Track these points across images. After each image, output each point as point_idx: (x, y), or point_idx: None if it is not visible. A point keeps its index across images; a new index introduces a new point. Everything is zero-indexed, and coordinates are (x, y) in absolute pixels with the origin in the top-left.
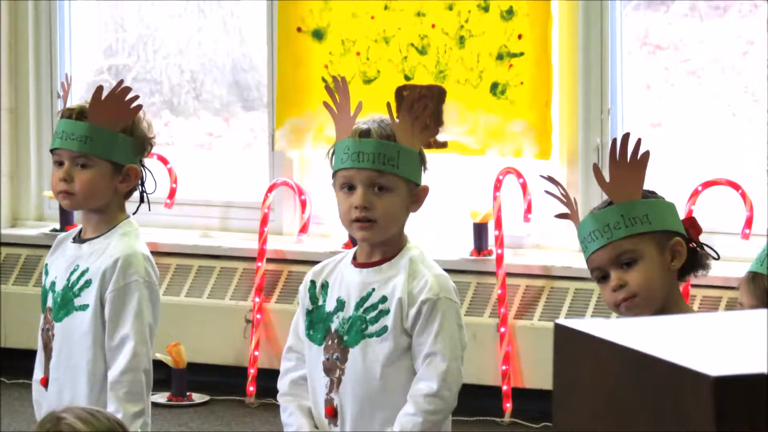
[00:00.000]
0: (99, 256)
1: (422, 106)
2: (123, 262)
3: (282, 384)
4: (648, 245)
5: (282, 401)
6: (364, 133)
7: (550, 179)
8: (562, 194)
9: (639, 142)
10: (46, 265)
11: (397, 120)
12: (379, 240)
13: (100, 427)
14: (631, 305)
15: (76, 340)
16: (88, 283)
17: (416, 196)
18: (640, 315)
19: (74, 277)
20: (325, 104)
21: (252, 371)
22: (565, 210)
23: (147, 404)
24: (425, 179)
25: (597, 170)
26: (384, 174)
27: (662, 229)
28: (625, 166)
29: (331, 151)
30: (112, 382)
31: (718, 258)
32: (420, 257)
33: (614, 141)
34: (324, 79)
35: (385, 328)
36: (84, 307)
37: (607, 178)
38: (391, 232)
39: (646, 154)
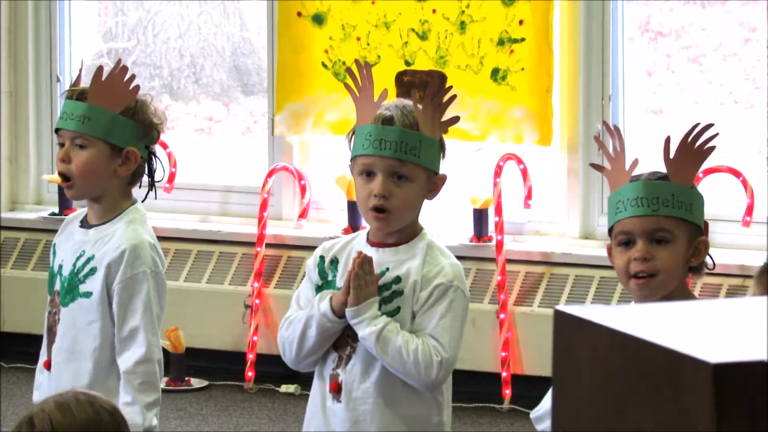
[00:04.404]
0: (105, 244)
1: (443, 95)
2: (130, 253)
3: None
4: (683, 233)
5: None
6: (387, 120)
7: (610, 128)
8: (614, 148)
9: (713, 136)
10: (54, 245)
11: (419, 107)
12: (393, 230)
13: (78, 416)
14: (646, 284)
15: (81, 327)
16: (93, 270)
17: (434, 184)
18: (648, 297)
19: (80, 263)
20: (347, 86)
21: (251, 356)
22: (607, 161)
23: (159, 393)
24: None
25: (667, 144)
26: (405, 163)
27: (696, 224)
28: (691, 151)
29: (351, 134)
30: (126, 373)
31: (714, 268)
32: (437, 245)
33: (695, 125)
34: (339, 67)
35: (398, 309)
36: (87, 294)
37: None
38: (405, 221)
39: (712, 148)
